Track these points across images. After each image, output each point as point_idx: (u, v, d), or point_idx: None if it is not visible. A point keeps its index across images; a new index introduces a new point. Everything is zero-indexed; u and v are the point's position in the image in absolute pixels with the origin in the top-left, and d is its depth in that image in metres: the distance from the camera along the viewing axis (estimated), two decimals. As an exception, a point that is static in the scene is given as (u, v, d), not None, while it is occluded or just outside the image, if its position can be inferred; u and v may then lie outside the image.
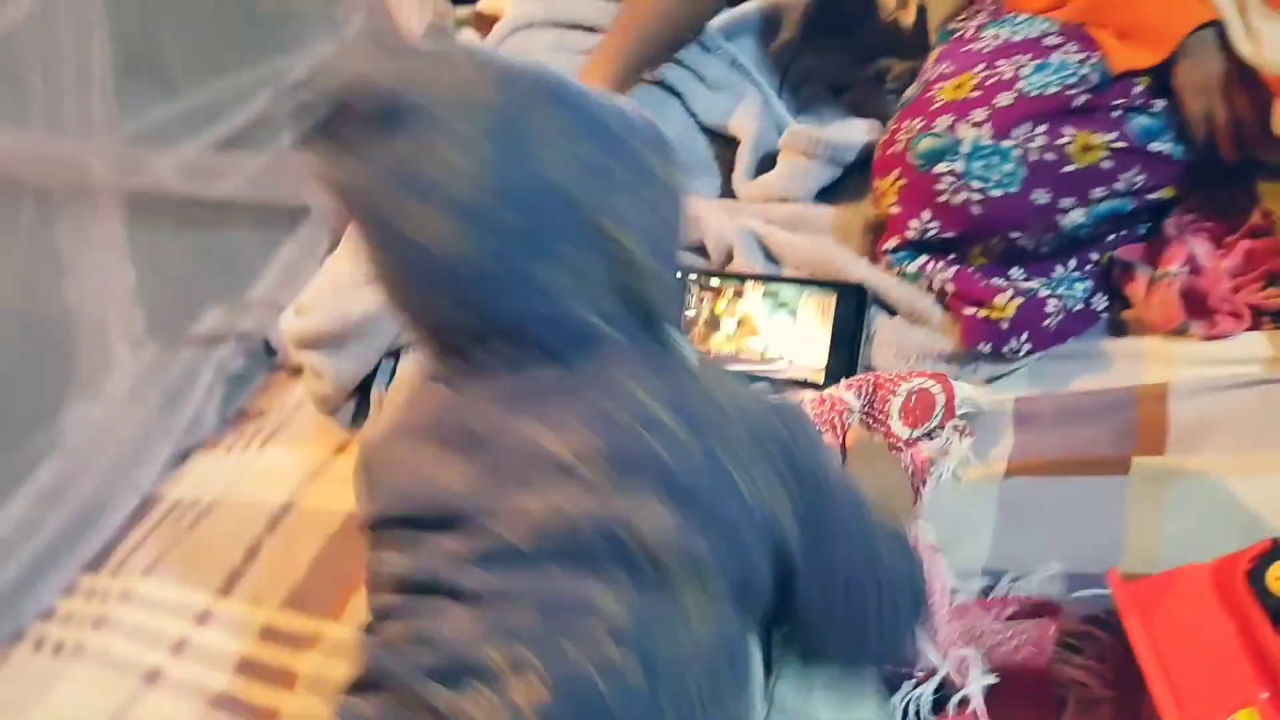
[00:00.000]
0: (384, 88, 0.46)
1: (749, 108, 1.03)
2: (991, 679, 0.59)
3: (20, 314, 1.13)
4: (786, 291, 0.90)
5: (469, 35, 1.45)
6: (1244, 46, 0.77)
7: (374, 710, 0.45)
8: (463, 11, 1.54)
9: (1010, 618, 0.64)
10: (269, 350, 1.38)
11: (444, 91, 0.46)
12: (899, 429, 0.77)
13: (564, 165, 0.47)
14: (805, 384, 0.86)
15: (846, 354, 0.85)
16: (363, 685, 0.47)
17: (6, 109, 1.12)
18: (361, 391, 1.04)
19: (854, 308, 0.86)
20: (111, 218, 1.22)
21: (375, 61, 0.48)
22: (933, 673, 0.61)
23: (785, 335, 0.89)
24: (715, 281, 0.92)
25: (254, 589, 0.96)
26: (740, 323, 0.90)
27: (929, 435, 0.78)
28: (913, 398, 0.78)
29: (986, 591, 0.68)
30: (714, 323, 0.91)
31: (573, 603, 0.44)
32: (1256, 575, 0.55)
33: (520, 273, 0.47)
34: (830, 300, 0.88)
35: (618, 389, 0.47)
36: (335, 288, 0.99)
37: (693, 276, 0.92)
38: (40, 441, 1.13)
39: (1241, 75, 0.78)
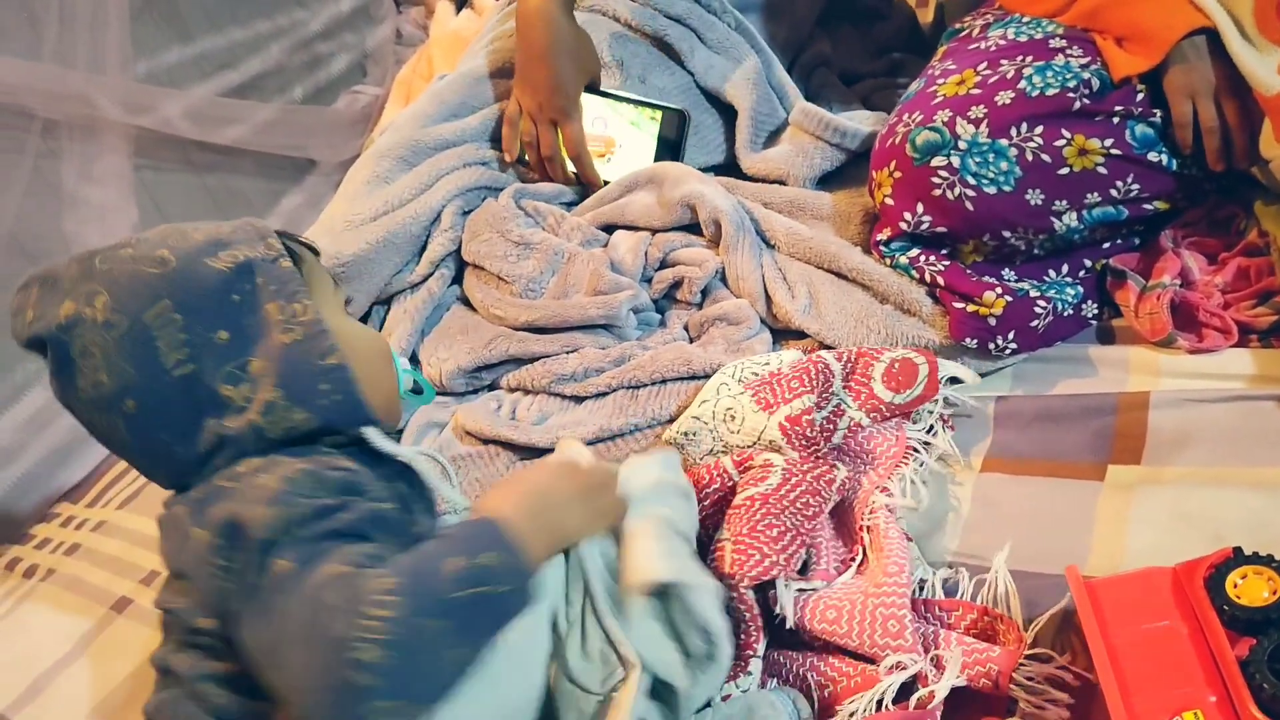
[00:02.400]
0: (37, 334, 0.60)
1: (747, 75, 1.03)
2: (961, 681, 0.60)
3: (19, 242, 1.13)
4: (625, 108, 1.05)
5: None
6: (1240, 54, 0.76)
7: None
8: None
9: (970, 628, 0.65)
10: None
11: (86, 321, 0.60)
12: (881, 392, 0.77)
13: (182, 356, 0.60)
14: None
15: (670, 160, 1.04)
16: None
17: (20, 42, 1.12)
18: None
19: (676, 127, 1.03)
20: (118, 154, 1.22)
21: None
22: (902, 667, 0.61)
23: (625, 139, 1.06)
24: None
25: (229, 529, 0.97)
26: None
27: (910, 416, 0.78)
28: (896, 365, 0.78)
29: (951, 589, 0.68)
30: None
31: None
32: (1215, 581, 0.56)
33: (174, 451, 0.61)
34: (657, 115, 1.03)
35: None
36: (329, 231, 0.98)
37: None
38: (28, 370, 1.14)
39: (1233, 85, 0.77)
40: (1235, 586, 0.55)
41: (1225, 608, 0.54)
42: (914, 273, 0.85)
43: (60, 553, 1.00)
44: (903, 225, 0.84)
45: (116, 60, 1.20)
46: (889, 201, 0.84)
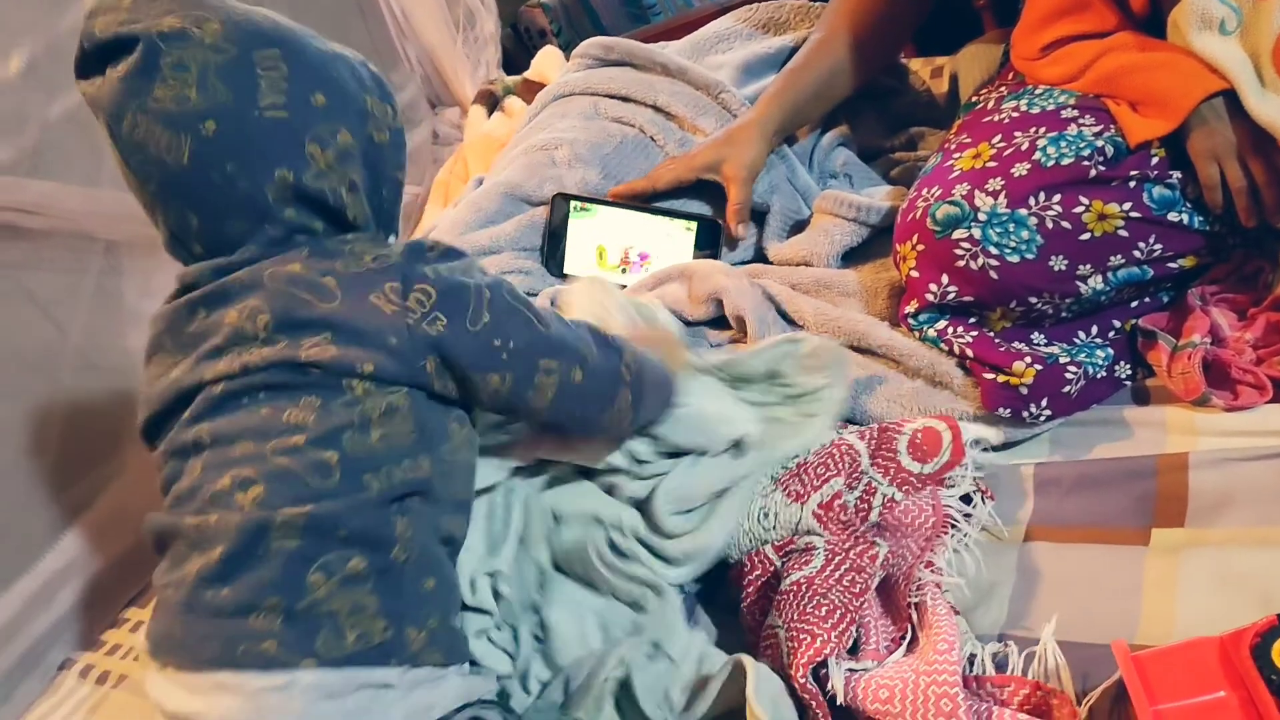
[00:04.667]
0: (130, 32, 0.60)
1: (772, 180, 1.07)
2: None
3: (86, 358, 1.19)
4: (660, 220, 1.08)
5: (515, 101, 1.51)
6: (1260, 109, 0.77)
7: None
8: (512, 78, 1.61)
9: (1023, 704, 0.65)
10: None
11: (194, 39, 0.60)
12: (909, 464, 0.78)
13: (279, 102, 0.62)
14: None
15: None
16: (156, 547, 0.64)
17: (80, 168, 1.19)
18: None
19: (710, 236, 1.07)
20: (175, 268, 1.28)
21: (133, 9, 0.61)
22: None
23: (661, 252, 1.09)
24: (593, 208, 1.09)
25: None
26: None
27: (944, 482, 0.79)
28: (918, 435, 0.79)
29: (1001, 663, 0.68)
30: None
31: (275, 425, 0.60)
32: (1262, 650, 0.55)
33: (236, 187, 0.62)
34: (692, 225, 1.07)
35: (286, 271, 0.62)
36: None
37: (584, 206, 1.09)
38: (99, 476, 1.19)
39: (1256, 142, 0.78)
40: (1284, 654, 0.55)
41: (1274, 677, 0.54)
42: (943, 345, 0.86)
43: (130, 658, 1.03)
44: (929, 297, 0.85)
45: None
46: (914, 274, 0.86)
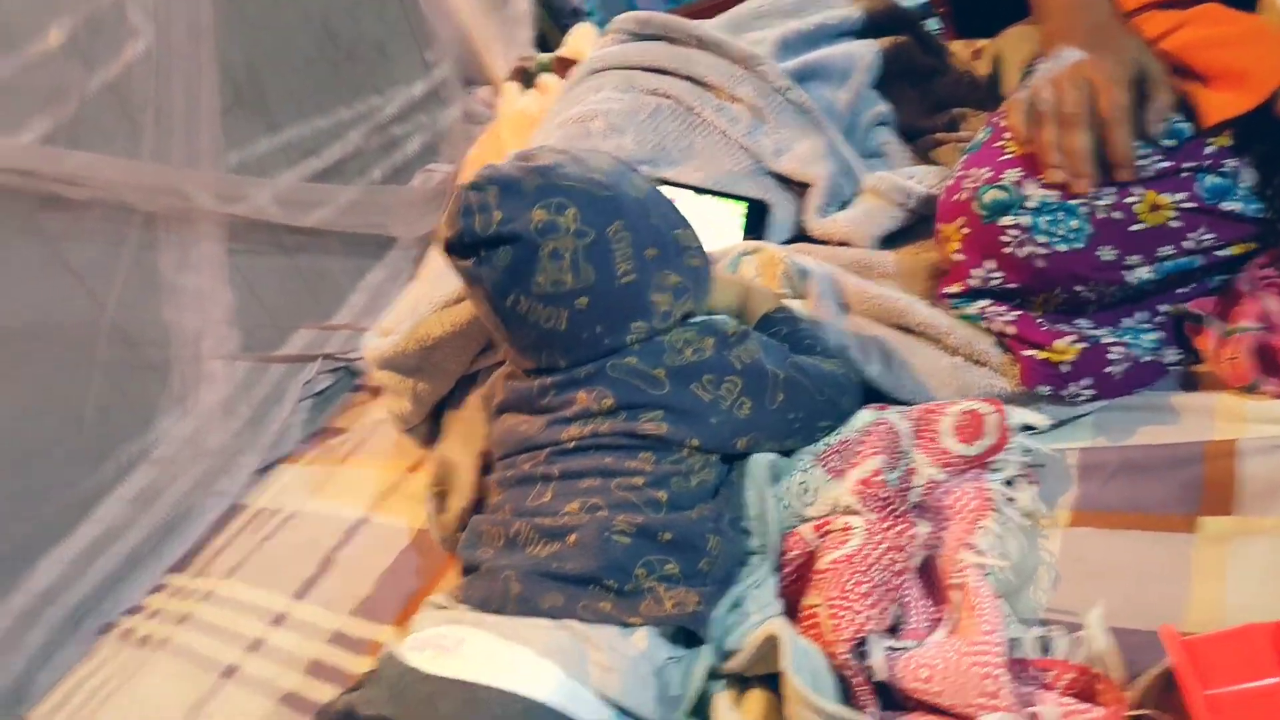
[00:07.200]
0: (511, 231, 0.70)
1: (816, 154, 1.05)
2: None
3: (122, 330, 1.21)
4: (707, 200, 1.06)
5: (550, 78, 1.50)
6: None
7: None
8: (546, 56, 1.60)
9: (1068, 688, 0.64)
10: (353, 371, 1.44)
11: (561, 228, 0.71)
12: (952, 445, 0.77)
13: (629, 268, 0.74)
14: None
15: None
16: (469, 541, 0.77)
17: (120, 141, 1.20)
18: (437, 412, 1.08)
19: (758, 217, 1.05)
20: (212, 241, 1.29)
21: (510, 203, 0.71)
22: None
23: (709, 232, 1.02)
24: None
25: (326, 596, 1.01)
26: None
27: (988, 465, 0.78)
28: (964, 417, 0.78)
29: (1045, 645, 0.68)
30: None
31: (617, 468, 0.73)
32: (1317, 636, 0.55)
33: (601, 340, 0.75)
34: (742, 206, 1.06)
35: (626, 364, 0.76)
36: (416, 312, 1.02)
37: None
38: (134, 449, 1.20)
39: None
40: (1339, 641, 0.54)
41: (1330, 663, 0.53)
42: (982, 322, 0.85)
43: (171, 623, 1.05)
44: (972, 281, 0.84)
45: (209, 154, 1.28)
46: (959, 256, 0.84)
